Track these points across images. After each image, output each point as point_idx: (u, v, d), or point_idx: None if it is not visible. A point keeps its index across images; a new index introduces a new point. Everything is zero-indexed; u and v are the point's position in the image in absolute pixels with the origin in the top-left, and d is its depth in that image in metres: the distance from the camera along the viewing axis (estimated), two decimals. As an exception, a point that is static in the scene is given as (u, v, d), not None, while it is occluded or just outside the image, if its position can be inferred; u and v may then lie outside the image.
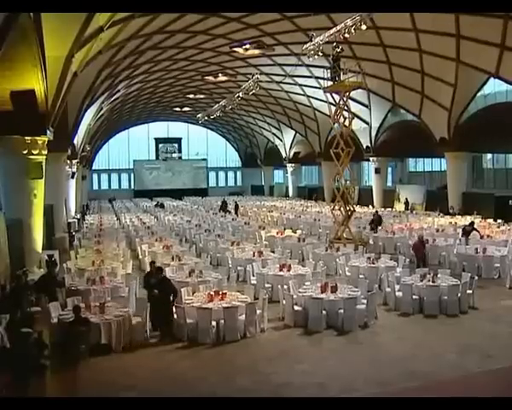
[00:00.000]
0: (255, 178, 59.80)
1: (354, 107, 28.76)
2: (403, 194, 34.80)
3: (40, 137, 14.13)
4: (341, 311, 9.91)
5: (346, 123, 19.49)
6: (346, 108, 19.25)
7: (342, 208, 19.51)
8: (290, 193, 50.56)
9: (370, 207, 34.19)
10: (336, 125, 20.29)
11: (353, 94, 23.31)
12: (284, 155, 48.65)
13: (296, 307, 10.27)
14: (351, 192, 20.42)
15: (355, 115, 24.64)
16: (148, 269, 14.29)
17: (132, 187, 58.38)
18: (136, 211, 36.50)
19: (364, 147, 34.18)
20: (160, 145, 59.24)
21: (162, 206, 38.86)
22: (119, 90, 27.29)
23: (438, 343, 9.09)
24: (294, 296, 10.46)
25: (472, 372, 7.69)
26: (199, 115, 38.95)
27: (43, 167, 14.62)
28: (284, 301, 10.57)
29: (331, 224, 23.12)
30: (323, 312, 9.94)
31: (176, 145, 59.69)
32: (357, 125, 31.56)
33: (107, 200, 50.05)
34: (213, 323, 9.32)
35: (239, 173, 63.90)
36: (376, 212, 23.73)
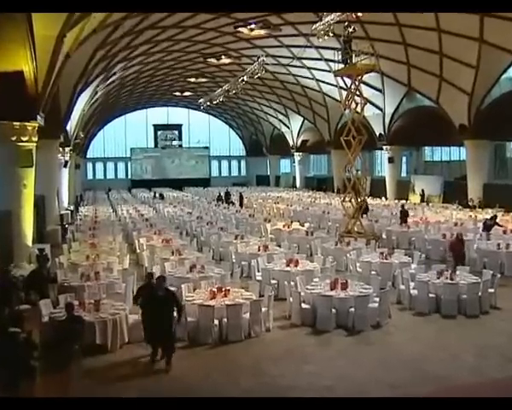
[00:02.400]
0: (260, 168, 59.75)
1: (367, 91, 28.53)
2: (418, 185, 34.66)
3: (30, 123, 14.01)
4: (352, 309, 9.90)
5: (358, 109, 19.40)
6: (357, 92, 19.14)
7: (353, 200, 19.45)
8: (297, 184, 50.55)
9: (383, 198, 34.10)
10: (347, 111, 20.20)
11: (366, 78, 23.06)
12: (291, 143, 48.54)
13: (304, 305, 10.27)
14: (362, 183, 20.39)
15: (367, 101, 24.44)
16: (146, 279, 14.35)
17: (129, 177, 58.53)
18: (133, 202, 36.57)
19: (377, 135, 34.01)
20: (159, 132, 59.24)
21: (162, 197, 38.93)
22: (115, 73, 27.21)
23: (455, 345, 9.03)
24: (302, 294, 10.45)
25: (491, 377, 7.62)
26: (201, 100, 38.90)
27: (34, 155, 14.53)
28: (291, 299, 10.56)
29: (341, 216, 23.13)
30: (333, 310, 9.93)
31: (176, 132, 59.67)
32: (369, 111, 31.36)
33: (102, 190, 50.15)
34: (216, 322, 9.32)
35: (243, 163, 63.84)
36: (403, 206, 23.55)
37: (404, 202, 30.40)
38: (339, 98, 31.47)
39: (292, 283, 11.32)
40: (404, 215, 20.91)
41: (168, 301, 8.16)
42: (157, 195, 40.33)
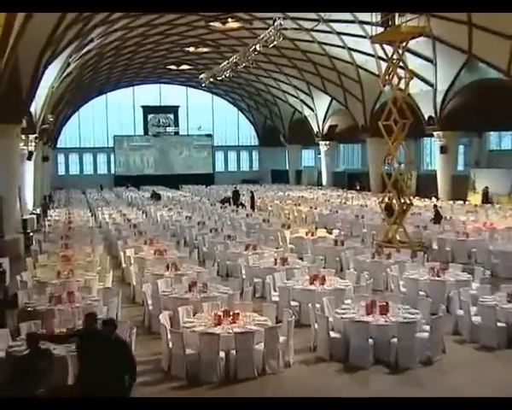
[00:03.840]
0: (277, 161, 59.87)
1: (413, 62, 28.36)
2: (480, 181, 34.41)
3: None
4: (394, 340, 9.83)
5: (402, 85, 19.28)
6: (401, 64, 18.98)
7: (395, 201, 19.34)
8: (324, 180, 50.55)
9: (434, 198, 33.84)
10: (388, 87, 20.07)
11: (412, 44, 22.95)
12: (316, 129, 48.52)
13: (333, 334, 10.23)
14: (406, 179, 20.33)
15: (414, 74, 24.27)
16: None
17: (112, 172, 58.91)
18: (117, 204, 36.72)
19: (426, 118, 33.81)
20: (150, 116, 59.69)
21: (158, 197, 39.10)
22: (92, 40, 27.18)
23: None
24: (330, 319, 10.43)
25: None
26: (202, 76, 38.99)
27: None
28: (316, 326, 10.53)
29: (379, 221, 23.01)
30: (370, 341, 9.88)
31: (171, 116, 60.07)
32: (416, 87, 31.15)
33: (77, 188, 50.51)
34: (221, 354, 9.30)
35: (255, 154, 64.01)
36: (435, 206, 23.93)
37: (435, 200, 30.16)
38: (377, 72, 31.33)
39: (317, 305, 11.28)
40: (437, 217, 21.13)
41: (116, 357, 6.99)
42: (151, 195, 40.39)
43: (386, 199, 19.88)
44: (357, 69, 36.31)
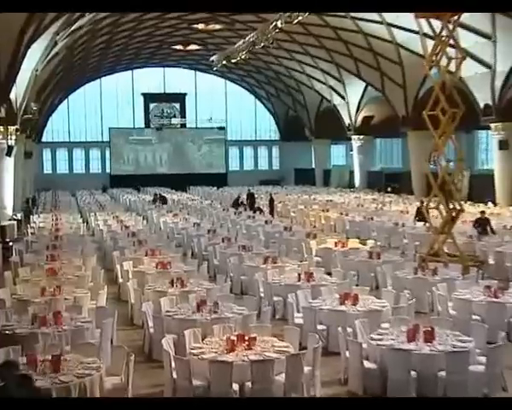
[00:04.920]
0: (301, 159, 59.90)
1: (466, 39, 28.09)
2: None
3: None
4: (442, 373, 9.73)
5: (452, 67, 19.09)
6: (452, 41, 18.85)
7: (442, 206, 19.21)
8: (357, 182, 50.56)
9: (490, 204, 33.54)
10: (435, 70, 19.93)
11: (466, 18, 22.81)
12: (348, 121, 48.53)
13: (367, 364, 10.19)
14: (456, 180, 20.14)
15: (467, 54, 24.11)
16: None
17: (107, 170, 59.28)
18: (113, 208, 36.93)
19: (482, 106, 33.57)
20: (152, 106, 60.03)
21: (164, 201, 39.25)
22: (83, 15, 27.36)
23: None
24: (364, 346, 10.36)
25: None
26: (213, 58, 39.10)
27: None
28: (348, 354, 10.48)
29: (423, 231, 22.90)
30: (412, 373, 9.80)
31: (176, 106, 60.40)
32: (470, 70, 30.91)
33: (66, 190, 50.86)
34: (235, 386, 9.28)
35: (276, 150, 64.15)
36: (483, 212, 24.08)
37: (491, 206, 29.75)
38: (421, 52, 31.13)
39: (349, 329, 11.25)
40: (484, 225, 21.21)
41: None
42: (154, 198, 40.54)
43: (433, 203, 19.68)
44: (397, 49, 36.18)
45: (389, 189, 45.73)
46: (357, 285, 15.21)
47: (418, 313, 13.54)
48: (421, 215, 25.05)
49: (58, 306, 12.65)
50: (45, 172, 57.83)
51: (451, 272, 15.93)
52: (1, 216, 25.70)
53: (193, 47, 45.86)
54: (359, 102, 46.61)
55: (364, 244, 20.98)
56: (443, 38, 19.01)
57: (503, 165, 34.81)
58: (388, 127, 44.11)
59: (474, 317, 12.70)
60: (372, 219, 28.12)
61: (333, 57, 41.96)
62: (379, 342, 10.31)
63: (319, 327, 12.20)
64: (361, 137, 48.73)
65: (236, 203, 36.24)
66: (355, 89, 45.62)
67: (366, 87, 44.20)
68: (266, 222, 27.56)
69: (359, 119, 47.67)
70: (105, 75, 56.42)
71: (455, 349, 9.94)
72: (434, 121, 18.99)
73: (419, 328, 10.36)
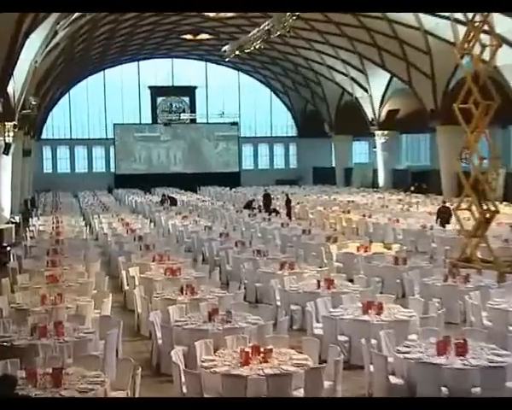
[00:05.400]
0: (320, 157, 59.90)
1: (502, 25, 27.78)
2: None
3: None
4: (477, 390, 9.63)
5: (486, 55, 19.00)
6: (486, 27, 18.73)
7: (475, 207, 19.11)
8: (381, 181, 50.49)
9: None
10: (467, 59, 19.82)
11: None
12: (371, 115, 48.45)
13: (393, 379, 10.14)
14: (491, 179, 20.02)
15: (503, 40, 23.87)
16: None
17: (112, 169, 59.46)
18: (118, 210, 37.04)
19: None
20: (160, 100, 60.16)
21: (173, 202, 39.34)
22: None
23: None
24: (390, 359, 10.33)
25: None
26: (225, 48, 39.02)
27: None
28: (372, 368, 10.46)
29: (453, 234, 22.83)
30: (443, 389, 9.70)
31: (186, 100, 60.49)
32: (505, 58, 30.61)
33: (68, 191, 51.03)
34: (249, 402, 9.24)
35: (293, 148, 64.15)
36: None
37: None
38: (452, 39, 31.00)
39: (373, 341, 11.22)
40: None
41: None
42: (162, 199, 40.63)
43: (464, 204, 19.57)
44: (425, 36, 35.98)
45: (412, 188, 45.42)
46: (381, 293, 15.16)
47: (449, 323, 13.48)
48: (442, 217, 25.12)
49: (59, 315, 12.71)
50: (45, 171, 58.06)
51: (485, 279, 15.84)
52: (-1, 219, 25.83)
53: (203, 36, 45.85)
54: (383, 95, 46.48)
55: (389, 249, 20.94)
56: (476, 24, 18.85)
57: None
58: (415, 122, 43.95)
59: (511, 328, 12.62)
60: (398, 221, 27.98)
61: (355, 46, 41.83)
62: (406, 356, 10.24)
63: (340, 338, 12.18)
64: (385, 132, 48.53)
65: (249, 206, 36.19)
66: (379, 80, 45.47)
67: (391, 78, 44.06)
68: (283, 225, 27.49)
69: (383, 113, 47.51)
70: (109, 67, 56.59)
71: (490, 364, 9.82)
72: (466, 115, 18.87)
73: (450, 340, 10.28)
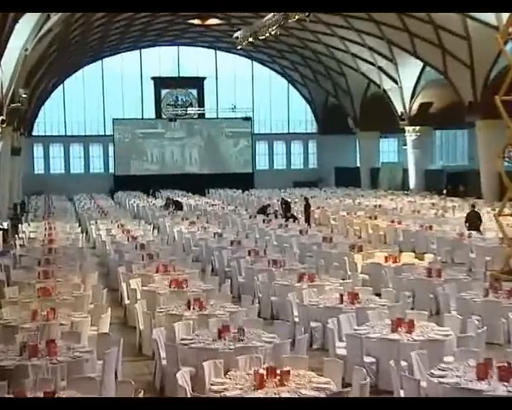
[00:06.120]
0: (343, 156, 60.05)
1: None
2: None
3: None
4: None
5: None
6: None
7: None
8: (411, 183, 50.46)
9: None
10: (510, 45, 19.75)
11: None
12: (401, 109, 48.46)
13: (427, 406, 10.04)
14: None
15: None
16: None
17: (111, 170, 59.60)
18: (118, 215, 37.13)
19: None
20: (164, 92, 60.33)
21: (178, 206, 39.42)
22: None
23: None
24: (423, 384, 10.26)
25: None
26: (237, 34, 39.07)
27: None
28: (402, 393, 10.42)
29: (495, 243, 22.70)
30: (484, 418, 9.65)
31: (193, 92, 60.60)
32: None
33: (62, 194, 51.19)
34: (264, 430, 9.23)
35: (313, 146, 64.23)
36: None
37: None
38: (495, 22, 30.92)
39: (403, 363, 11.21)
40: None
41: None
42: (166, 203, 40.70)
43: (508, 209, 19.54)
44: (463, 20, 35.83)
45: (444, 191, 45.24)
46: (412, 309, 15.17)
47: (490, 344, 13.44)
48: (471, 222, 25.02)
49: (52, 333, 12.73)
50: (37, 172, 58.33)
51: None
52: (-16, 225, 25.95)
53: (213, 21, 45.84)
54: (415, 86, 46.45)
55: (421, 259, 20.80)
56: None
57: None
58: (451, 116, 43.89)
59: None
60: (431, 228, 27.80)
61: (383, 32, 41.78)
62: (441, 380, 10.17)
63: (366, 360, 12.14)
64: (417, 128, 48.49)
65: (264, 211, 36.17)
66: (410, 70, 45.44)
67: (424, 68, 44.03)
68: (301, 232, 27.45)
69: (415, 106, 47.46)
70: (108, 56, 56.86)
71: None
72: (509, 108, 18.82)
73: (492, 363, 10.20)
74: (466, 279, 17.82)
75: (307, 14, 30.48)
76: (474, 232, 25.12)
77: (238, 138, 60.90)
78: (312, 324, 14.54)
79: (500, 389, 9.76)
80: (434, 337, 12.29)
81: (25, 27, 25.60)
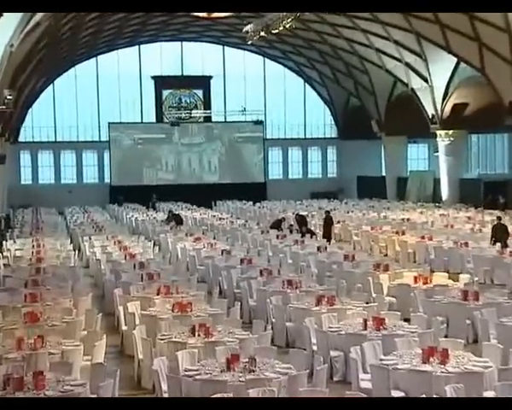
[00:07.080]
0: (367, 163, 60.09)
1: None
2: None
3: None
4: None
5: None
6: None
7: None
8: (444, 193, 50.39)
9: None
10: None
11: None
12: (431, 111, 48.39)
13: (463, 446, 10.01)
14: None
15: None
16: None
17: (107, 180, 59.70)
18: (114, 230, 37.21)
19: None
20: (166, 93, 60.55)
21: (179, 220, 39.44)
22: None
23: None
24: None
25: None
26: (248, 28, 39.15)
27: None
28: (435, 431, 10.32)
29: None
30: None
31: (198, 93, 60.76)
32: None
33: (52, 206, 51.29)
34: None
35: (332, 152, 64.36)
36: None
37: None
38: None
39: (435, 396, 11.16)
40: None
41: None
42: (168, 216, 40.74)
43: (500, 219, 19.48)
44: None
45: (485, 202, 45.11)
46: (446, 337, 15.13)
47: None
48: (498, 236, 25.01)
49: (40, 363, 12.76)
50: (23, 182, 58.48)
51: None
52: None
53: (220, 13, 45.98)
54: (448, 85, 46.41)
55: (456, 280, 20.77)
56: None
57: None
58: (489, 118, 43.81)
59: None
60: (466, 244, 27.69)
61: (411, 24, 41.77)
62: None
63: (394, 394, 12.07)
64: (450, 132, 48.43)
65: (278, 225, 36.16)
66: (442, 67, 45.42)
67: (458, 64, 44.00)
68: (319, 249, 27.39)
69: (447, 108, 47.42)
70: (103, 53, 56.99)
71: None
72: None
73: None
74: (507, 303, 17.68)
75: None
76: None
77: (248, 144, 60.94)
78: (332, 353, 14.51)
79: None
80: (472, 369, 12.21)
81: (10, 21, 25.69)
